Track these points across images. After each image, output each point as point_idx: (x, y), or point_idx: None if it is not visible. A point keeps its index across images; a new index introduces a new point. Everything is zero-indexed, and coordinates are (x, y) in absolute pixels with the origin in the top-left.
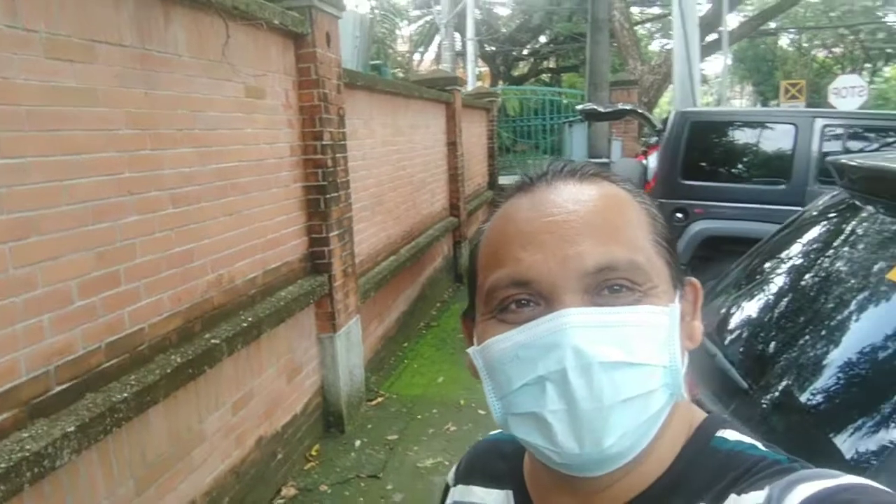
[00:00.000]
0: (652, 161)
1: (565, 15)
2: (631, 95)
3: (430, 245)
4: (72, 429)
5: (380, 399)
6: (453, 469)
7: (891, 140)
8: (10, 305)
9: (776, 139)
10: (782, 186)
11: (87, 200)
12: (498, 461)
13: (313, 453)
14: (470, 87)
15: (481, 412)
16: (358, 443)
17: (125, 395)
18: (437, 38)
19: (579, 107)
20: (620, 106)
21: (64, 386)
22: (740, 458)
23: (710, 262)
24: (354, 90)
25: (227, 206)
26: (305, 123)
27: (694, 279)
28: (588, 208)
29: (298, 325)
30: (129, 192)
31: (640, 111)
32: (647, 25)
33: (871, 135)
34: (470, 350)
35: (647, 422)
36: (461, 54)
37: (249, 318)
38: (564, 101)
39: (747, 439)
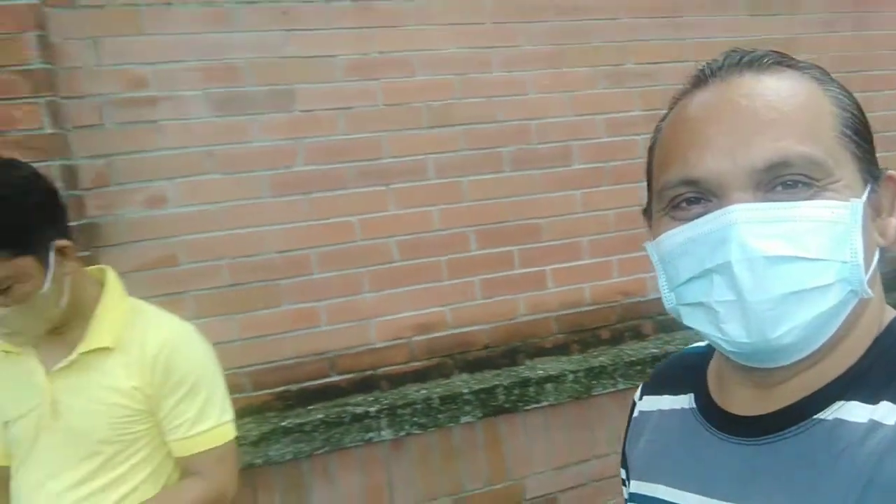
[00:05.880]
0: None
1: None
2: None
3: None
4: None
5: None
6: (640, 386)
7: None
8: None
9: None
10: None
11: None
12: (682, 371)
13: None
14: None
15: None
16: None
17: None
18: None
19: None
20: None
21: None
22: None
23: None
24: None
25: None
26: None
27: (893, 171)
28: (763, 102)
29: None
30: None
31: None
32: None
33: None
34: (646, 244)
35: (821, 316)
36: None
37: None
38: None
39: None
